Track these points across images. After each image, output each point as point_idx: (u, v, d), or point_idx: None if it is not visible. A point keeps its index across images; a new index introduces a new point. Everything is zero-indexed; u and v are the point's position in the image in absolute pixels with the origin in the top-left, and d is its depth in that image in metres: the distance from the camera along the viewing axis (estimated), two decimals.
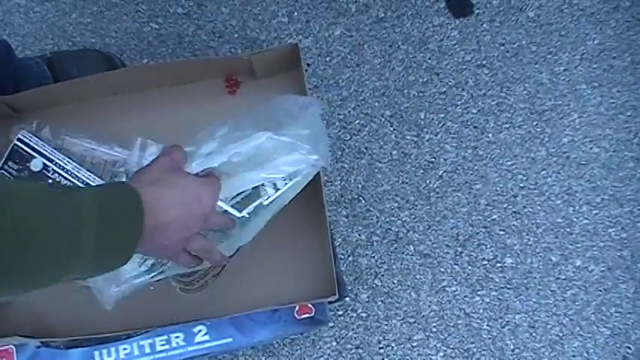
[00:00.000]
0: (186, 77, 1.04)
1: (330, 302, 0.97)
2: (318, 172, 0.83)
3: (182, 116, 1.02)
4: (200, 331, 0.98)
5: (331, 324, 1.12)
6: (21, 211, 0.49)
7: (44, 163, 0.97)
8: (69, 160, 0.97)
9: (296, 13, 1.28)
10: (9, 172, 0.97)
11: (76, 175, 0.97)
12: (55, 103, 1.05)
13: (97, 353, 0.98)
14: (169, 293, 0.90)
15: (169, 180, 0.68)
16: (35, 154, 0.98)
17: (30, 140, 0.99)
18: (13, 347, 0.96)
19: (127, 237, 0.61)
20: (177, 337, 0.98)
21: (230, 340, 0.98)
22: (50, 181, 0.97)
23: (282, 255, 0.98)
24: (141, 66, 1.24)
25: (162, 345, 0.98)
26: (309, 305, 0.96)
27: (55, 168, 0.97)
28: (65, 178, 0.97)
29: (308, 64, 1.24)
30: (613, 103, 1.22)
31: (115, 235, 0.59)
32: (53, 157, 0.97)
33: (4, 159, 0.97)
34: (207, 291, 0.92)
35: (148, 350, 0.98)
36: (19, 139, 0.99)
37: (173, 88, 1.05)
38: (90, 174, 0.97)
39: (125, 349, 0.98)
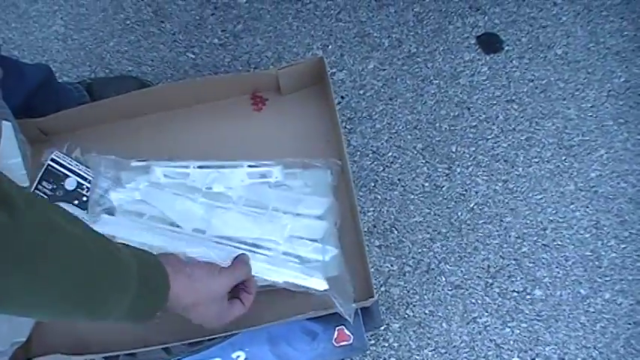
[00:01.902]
0: (213, 94, 1.06)
1: (366, 329, 0.98)
2: (348, 176, 0.93)
3: (209, 134, 1.05)
4: (239, 357, 0.98)
5: (366, 351, 1.13)
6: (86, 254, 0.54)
7: (78, 182, 1.00)
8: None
9: (330, 47, 1.31)
10: (43, 192, 1.00)
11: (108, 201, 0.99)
12: (86, 125, 1.07)
13: None
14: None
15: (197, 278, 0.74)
16: (69, 174, 1.00)
17: (64, 160, 1.01)
18: None
19: (159, 293, 0.68)
20: None
21: None
22: (84, 198, 0.99)
23: None
24: (168, 85, 1.27)
25: None
26: (347, 333, 0.97)
27: (89, 186, 0.99)
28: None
29: (342, 97, 1.27)
30: (639, 139, 1.25)
31: (150, 289, 0.66)
32: (87, 176, 1.00)
33: (37, 179, 1.00)
34: None
35: None
36: (52, 160, 1.02)
37: (200, 106, 1.07)
38: None
39: None
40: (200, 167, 0.98)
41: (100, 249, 0.58)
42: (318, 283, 0.92)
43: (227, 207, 0.95)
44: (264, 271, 0.91)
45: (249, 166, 0.97)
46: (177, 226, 0.94)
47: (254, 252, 0.92)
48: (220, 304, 0.78)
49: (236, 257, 0.85)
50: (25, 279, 0.47)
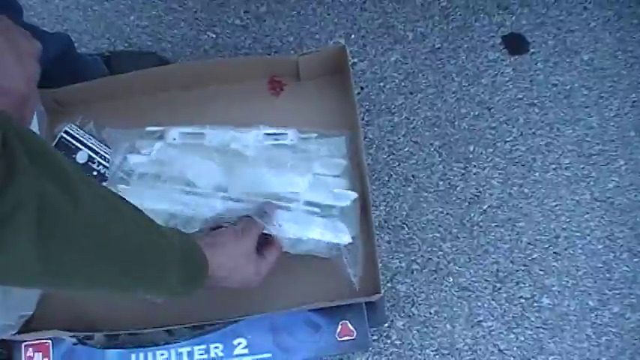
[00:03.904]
0: (231, 76, 1.04)
1: (370, 325, 0.97)
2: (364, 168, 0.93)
3: (225, 115, 1.03)
4: (240, 343, 0.98)
5: (369, 348, 1.12)
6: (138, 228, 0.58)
7: (89, 156, 0.99)
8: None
9: (353, 36, 1.29)
10: None
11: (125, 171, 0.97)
12: (101, 99, 1.06)
13: (133, 356, 0.97)
14: (207, 291, 0.91)
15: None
16: (81, 147, 0.99)
17: (77, 133, 1.00)
18: (50, 342, 0.96)
19: (200, 266, 0.72)
20: (216, 347, 0.98)
21: (269, 355, 0.97)
22: (95, 172, 0.99)
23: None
24: (187, 64, 1.25)
25: (201, 354, 0.98)
26: (351, 328, 0.96)
27: (100, 160, 0.98)
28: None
29: (362, 88, 1.25)
30: None
31: (193, 262, 0.70)
32: (99, 150, 0.99)
33: None
34: (247, 291, 0.93)
35: (185, 358, 0.97)
36: (65, 132, 1.00)
37: (218, 87, 1.05)
38: None
39: (163, 354, 0.98)
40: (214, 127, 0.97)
41: (149, 225, 0.61)
42: (342, 236, 0.90)
43: (245, 164, 0.93)
44: (286, 226, 0.89)
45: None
46: (195, 186, 0.92)
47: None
48: (254, 262, 0.82)
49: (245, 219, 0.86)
50: (84, 254, 0.49)
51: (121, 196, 0.58)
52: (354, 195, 0.92)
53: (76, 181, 0.47)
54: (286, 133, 0.97)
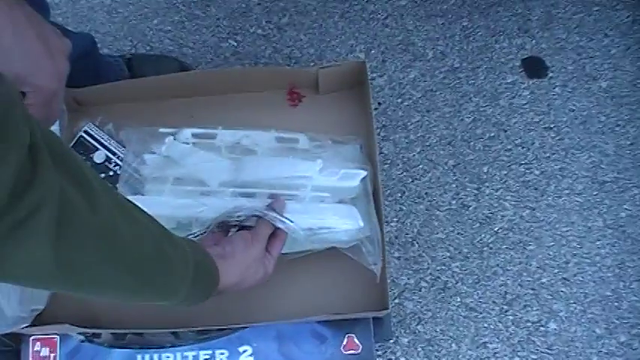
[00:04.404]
0: (251, 85, 1.05)
1: (376, 340, 0.97)
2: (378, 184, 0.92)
3: (243, 123, 1.02)
4: (245, 351, 0.98)
5: None
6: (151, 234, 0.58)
7: (107, 156, 1.00)
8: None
9: (373, 51, 1.30)
10: None
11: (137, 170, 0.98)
12: (121, 101, 1.06)
13: (139, 357, 0.97)
14: (216, 297, 0.91)
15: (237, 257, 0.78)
16: (99, 147, 1.01)
17: (96, 133, 1.02)
18: (57, 337, 0.97)
19: (211, 275, 0.72)
20: (222, 353, 0.98)
21: None
22: (111, 173, 0.99)
23: (333, 267, 0.97)
24: (207, 71, 1.26)
25: (206, 359, 0.98)
26: (357, 342, 0.96)
27: (116, 161, 1.00)
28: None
29: (379, 103, 1.26)
30: None
31: (204, 270, 0.70)
32: (116, 151, 1.00)
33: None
34: (255, 299, 0.93)
35: None
36: (85, 131, 1.02)
37: (237, 95, 1.06)
38: None
39: (168, 357, 0.98)
40: (227, 128, 0.97)
41: (162, 234, 0.61)
42: (353, 222, 0.89)
43: (254, 156, 0.94)
44: (298, 219, 0.87)
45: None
46: (205, 184, 0.92)
47: (280, 194, 0.90)
48: (263, 265, 0.82)
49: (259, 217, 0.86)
50: (98, 257, 0.50)
51: (135, 204, 0.58)
52: (363, 173, 0.91)
53: (94, 185, 0.48)
54: (297, 139, 0.97)
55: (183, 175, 0.93)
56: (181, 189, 0.92)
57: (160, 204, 0.91)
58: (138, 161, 0.95)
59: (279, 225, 0.85)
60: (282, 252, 0.87)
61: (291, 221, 0.85)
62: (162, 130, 0.97)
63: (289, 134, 0.97)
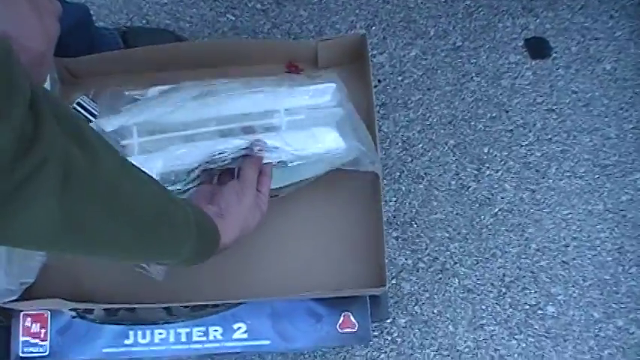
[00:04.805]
0: (249, 58, 1.02)
1: (372, 320, 0.96)
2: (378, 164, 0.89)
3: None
4: (239, 328, 0.96)
5: (369, 342, 1.10)
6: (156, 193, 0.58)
7: (102, 130, 0.97)
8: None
9: (374, 28, 1.28)
10: None
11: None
12: (115, 72, 1.03)
13: (131, 333, 0.96)
14: (210, 272, 0.89)
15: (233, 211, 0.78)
16: (93, 119, 0.97)
17: (89, 105, 0.98)
18: (48, 313, 0.95)
19: (212, 230, 0.71)
20: (215, 330, 0.96)
21: (268, 342, 0.96)
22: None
23: (331, 244, 0.95)
24: (204, 42, 1.23)
25: (200, 336, 0.96)
26: (353, 320, 0.95)
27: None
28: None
29: (379, 81, 1.24)
30: None
31: (205, 227, 0.69)
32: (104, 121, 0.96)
33: None
34: (250, 274, 0.92)
35: (184, 339, 0.96)
36: (78, 104, 0.98)
37: (234, 68, 1.02)
38: None
39: (161, 333, 0.96)
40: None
41: (162, 190, 0.61)
42: (333, 141, 0.86)
43: (218, 89, 0.89)
44: (270, 140, 0.84)
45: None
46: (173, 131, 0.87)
47: (254, 127, 0.86)
48: (258, 207, 0.81)
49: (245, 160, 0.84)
50: (103, 213, 0.49)
51: (135, 165, 0.58)
52: (332, 85, 0.88)
53: (95, 143, 0.48)
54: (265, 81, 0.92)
55: (148, 124, 0.88)
56: (150, 139, 0.87)
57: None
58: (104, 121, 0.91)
59: (265, 160, 0.83)
60: (276, 187, 0.86)
61: (276, 148, 0.83)
62: (127, 92, 0.95)
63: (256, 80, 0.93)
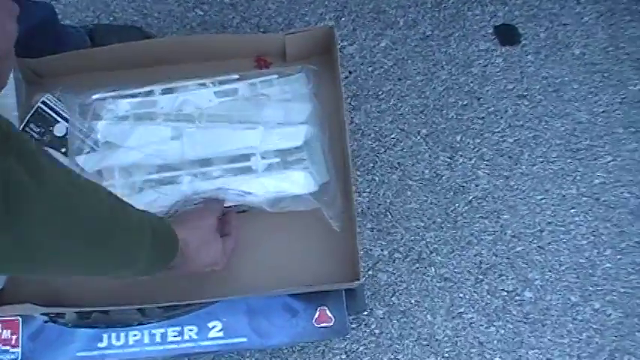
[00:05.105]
0: (217, 53, 1.01)
1: (348, 314, 0.95)
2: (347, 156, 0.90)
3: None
4: (215, 326, 0.95)
5: (346, 336, 1.10)
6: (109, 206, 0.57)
7: (67, 129, 0.95)
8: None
9: (343, 19, 1.27)
10: (30, 135, 0.95)
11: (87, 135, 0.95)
12: (81, 71, 1.02)
13: (105, 336, 0.94)
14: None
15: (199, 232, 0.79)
16: (60, 119, 0.96)
17: (55, 105, 0.97)
18: (19, 319, 0.93)
19: (168, 251, 0.72)
20: (190, 329, 0.95)
21: (245, 340, 0.95)
22: (74, 147, 0.95)
23: (304, 240, 0.95)
24: (171, 38, 1.22)
25: (175, 336, 0.95)
26: (329, 314, 0.94)
27: (78, 135, 0.95)
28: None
29: (350, 72, 1.23)
30: None
31: (162, 237, 0.69)
32: (78, 124, 0.95)
33: (25, 121, 0.95)
34: (225, 272, 0.91)
35: (158, 339, 0.95)
36: (43, 102, 0.97)
37: (203, 64, 1.02)
38: None
39: (135, 335, 0.95)
40: (165, 91, 0.94)
41: (116, 205, 0.60)
42: (306, 185, 0.88)
43: (194, 127, 0.92)
44: (245, 184, 0.88)
45: (213, 83, 0.94)
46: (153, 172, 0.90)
47: (232, 168, 0.89)
48: (219, 242, 0.82)
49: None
50: (53, 232, 0.49)
51: (87, 178, 0.57)
52: (302, 129, 0.90)
53: (40, 160, 0.47)
54: (237, 89, 0.94)
55: (128, 163, 0.91)
56: (131, 181, 0.90)
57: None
58: (86, 128, 0.92)
59: (238, 199, 0.86)
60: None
61: (246, 193, 0.86)
62: (96, 96, 0.94)
63: (227, 85, 0.94)
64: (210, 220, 0.82)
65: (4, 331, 0.93)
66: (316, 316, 0.94)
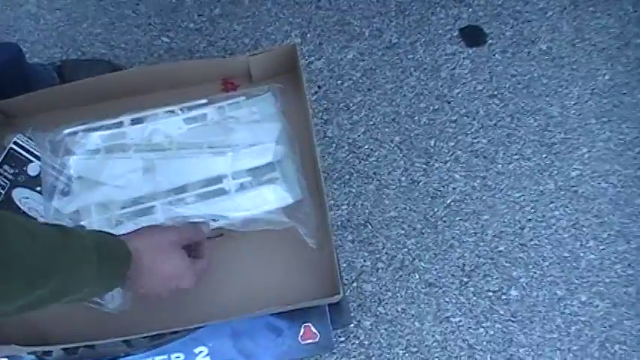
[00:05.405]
0: (184, 79, 1.02)
1: (334, 328, 0.95)
2: (318, 170, 0.90)
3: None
4: (201, 352, 0.95)
5: (333, 350, 1.10)
6: (43, 248, 0.58)
7: (41, 167, 0.96)
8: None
9: (309, 35, 1.28)
10: (4, 176, 0.95)
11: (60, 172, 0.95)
12: (51, 109, 1.02)
13: None
14: (167, 300, 0.89)
15: (161, 252, 0.78)
16: (32, 158, 0.96)
17: (27, 144, 0.97)
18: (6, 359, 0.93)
19: (119, 262, 0.71)
20: (177, 357, 0.95)
21: None
22: (48, 185, 0.96)
23: (283, 259, 0.95)
24: (138, 68, 1.23)
25: None
26: (314, 331, 0.94)
27: (52, 172, 0.95)
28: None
29: (319, 87, 1.24)
30: (622, 139, 1.22)
31: (110, 260, 0.69)
32: (50, 162, 0.96)
33: None
34: (207, 296, 0.92)
35: None
36: (15, 143, 0.97)
37: (171, 91, 1.03)
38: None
39: None
40: (134, 121, 0.95)
41: (50, 234, 0.61)
42: (279, 200, 0.89)
43: (165, 157, 0.92)
44: (220, 208, 0.88)
45: (181, 109, 0.95)
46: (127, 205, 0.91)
47: (205, 192, 0.90)
48: (181, 255, 0.80)
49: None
50: None
51: (15, 214, 0.60)
52: (271, 146, 0.91)
53: None
54: (205, 114, 0.95)
55: (103, 199, 0.92)
56: (107, 217, 0.91)
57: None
58: (58, 165, 0.93)
59: (213, 222, 0.86)
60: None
61: (220, 217, 0.87)
62: (66, 131, 0.95)
63: (195, 111, 0.95)
64: (170, 234, 0.81)
65: None
66: (301, 333, 0.94)
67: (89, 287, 0.66)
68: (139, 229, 0.79)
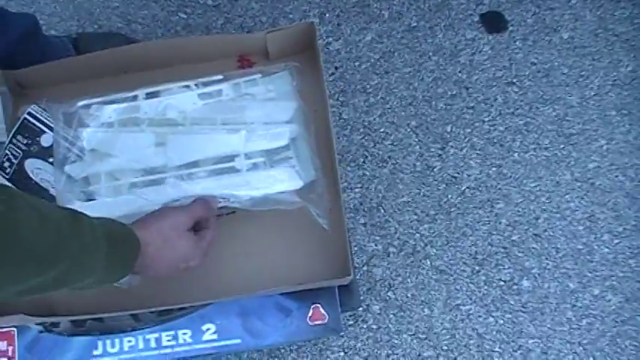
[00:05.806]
0: (200, 55, 1.01)
1: (343, 310, 0.94)
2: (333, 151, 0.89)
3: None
4: (209, 329, 0.95)
5: (340, 333, 1.09)
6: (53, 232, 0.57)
7: (54, 138, 0.95)
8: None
9: (328, 15, 1.26)
10: (17, 146, 0.95)
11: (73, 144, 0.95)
12: (66, 80, 1.02)
13: (100, 343, 0.94)
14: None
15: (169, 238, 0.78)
16: (46, 129, 0.96)
17: (41, 115, 0.97)
18: (14, 330, 0.93)
19: (128, 253, 0.71)
20: (184, 333, 0.95)
21: (239, 341, 0.94)
22: (60, 156, 0.95)
23: (295, 239, 0.95)
24: (153, 42, 1.21)
25: (169, 340, 0.95)
26: (323, 312, 0.94)
27: (64, 144, 0.95)
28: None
29: (336, 68, 1.22)
30: None
31: (119, 251, 0.69)
32: (63, 133, 0.95)
33: (12, 133, 0.95)
34: (217, 274, 0.91)
35: (153, 345, 0.94)
36: (29, 114, 0.97)
37: (187, 66, 1.02)
38: None
39: (130, 341, 0.95)
40: (149, 95, 0.94)
41: (60, 218, 0.59)
42: (292, 182, 0.88)
43: (178, 133, 0.91)
44: (231, 185, 0.87)
45: (196, 84, 0.94)
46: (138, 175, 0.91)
47: (217, 169, 0.89)
48: (187, 237, 0.80)
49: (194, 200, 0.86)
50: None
51: (27, 195, 0.57)
52: (287, 128, 0.90)
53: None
54: (221, 90, 0.94)
55: (114, 169, 0.91)
56: (116, 184, 0.90)
57: (100, 205, 0.89)
58: (71, 136, 0.92)
59: (221, 202, 0.85)
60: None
61: (231, 195, 0.86)
62: (81, 103, 0.94)
63: (211, 87, 0.94)
64: (180, 217, 0.80)
65: (1, 342, 0.93)
66: (310, 314, 0.93)
67: (95, 276, 0.65)
68: (145, 217, 0.78)
